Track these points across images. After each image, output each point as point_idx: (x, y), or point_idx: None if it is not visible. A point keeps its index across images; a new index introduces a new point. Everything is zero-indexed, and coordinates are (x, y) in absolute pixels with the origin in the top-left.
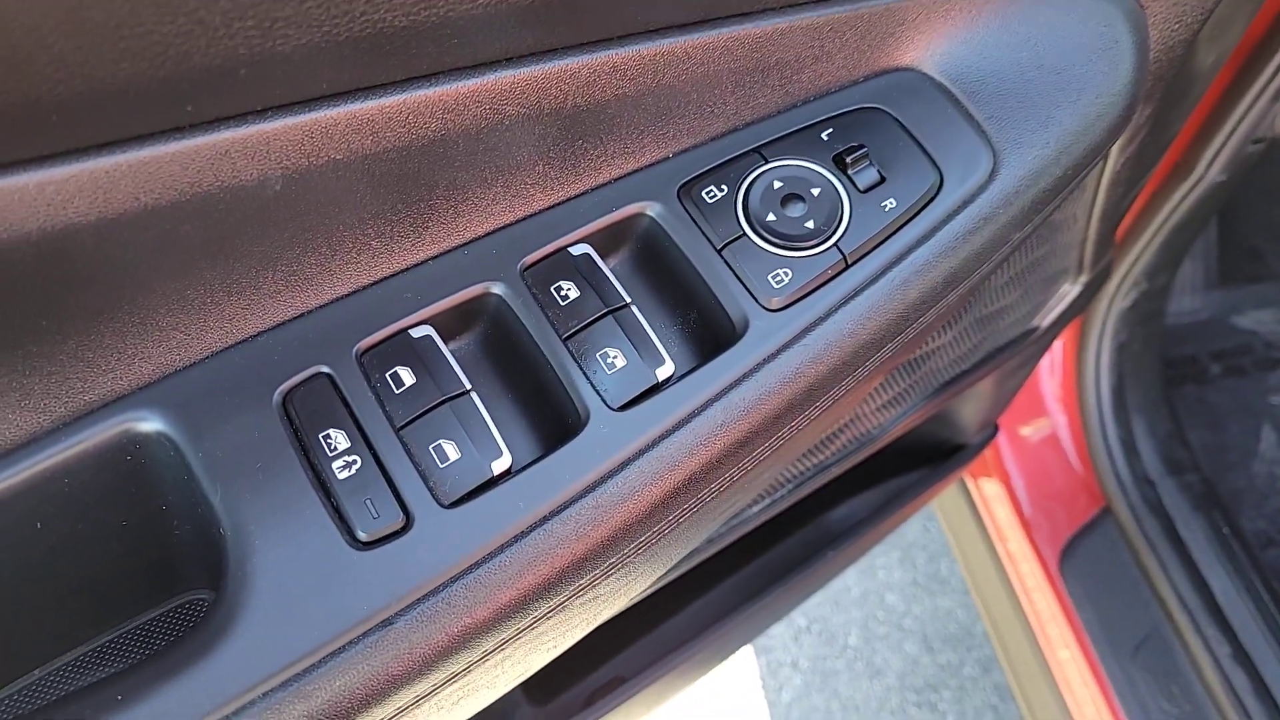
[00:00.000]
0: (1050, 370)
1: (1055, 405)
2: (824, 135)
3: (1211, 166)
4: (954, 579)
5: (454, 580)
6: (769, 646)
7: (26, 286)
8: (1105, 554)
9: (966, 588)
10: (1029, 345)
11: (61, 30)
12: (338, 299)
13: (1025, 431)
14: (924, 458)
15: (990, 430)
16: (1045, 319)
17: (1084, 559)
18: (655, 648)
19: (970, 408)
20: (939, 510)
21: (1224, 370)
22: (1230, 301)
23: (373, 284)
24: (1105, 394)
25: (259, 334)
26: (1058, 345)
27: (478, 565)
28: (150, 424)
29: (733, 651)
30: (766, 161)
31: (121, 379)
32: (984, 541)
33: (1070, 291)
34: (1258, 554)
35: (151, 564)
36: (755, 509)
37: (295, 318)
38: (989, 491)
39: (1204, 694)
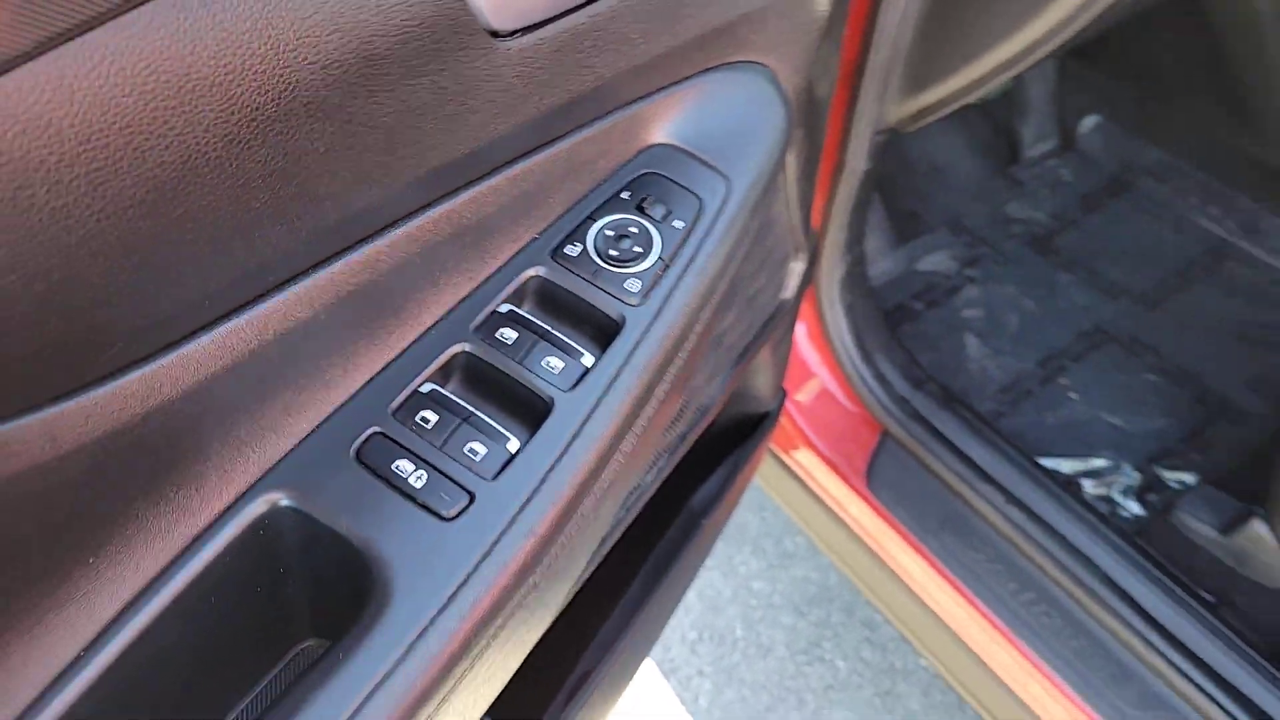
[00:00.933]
0: (808, 340)
1: (820, 368)
2: (624, 195)
3: (855, 157)
4: (799, 550)
5: (514, 521)
6: (674, 667)
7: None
8: (894, 464)
9: (811, 553)
10: (784, 315)
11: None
12: (361, 387)
13: (803, 396)
14: (743, 435)
15: (782, 394)
16: (787, 293)
17: (882, 475)
18: (565, 685)
19: (761, 379)
20: (770, 491)
21: (925, 305)
22: (910, 255)
23: (377, 375)
24: (850, 346)
25: (321, 422)
26: (810, 324)
27: (524, 508)
28: (281, 500)
29: (638, 666)
30: (596, 220)
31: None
32: (810, 498)
33: (798, 268)
34: (996, 425)
35: (269, 624)
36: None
37: (339, 408)
38: (799, 458)
39: (994, 535)
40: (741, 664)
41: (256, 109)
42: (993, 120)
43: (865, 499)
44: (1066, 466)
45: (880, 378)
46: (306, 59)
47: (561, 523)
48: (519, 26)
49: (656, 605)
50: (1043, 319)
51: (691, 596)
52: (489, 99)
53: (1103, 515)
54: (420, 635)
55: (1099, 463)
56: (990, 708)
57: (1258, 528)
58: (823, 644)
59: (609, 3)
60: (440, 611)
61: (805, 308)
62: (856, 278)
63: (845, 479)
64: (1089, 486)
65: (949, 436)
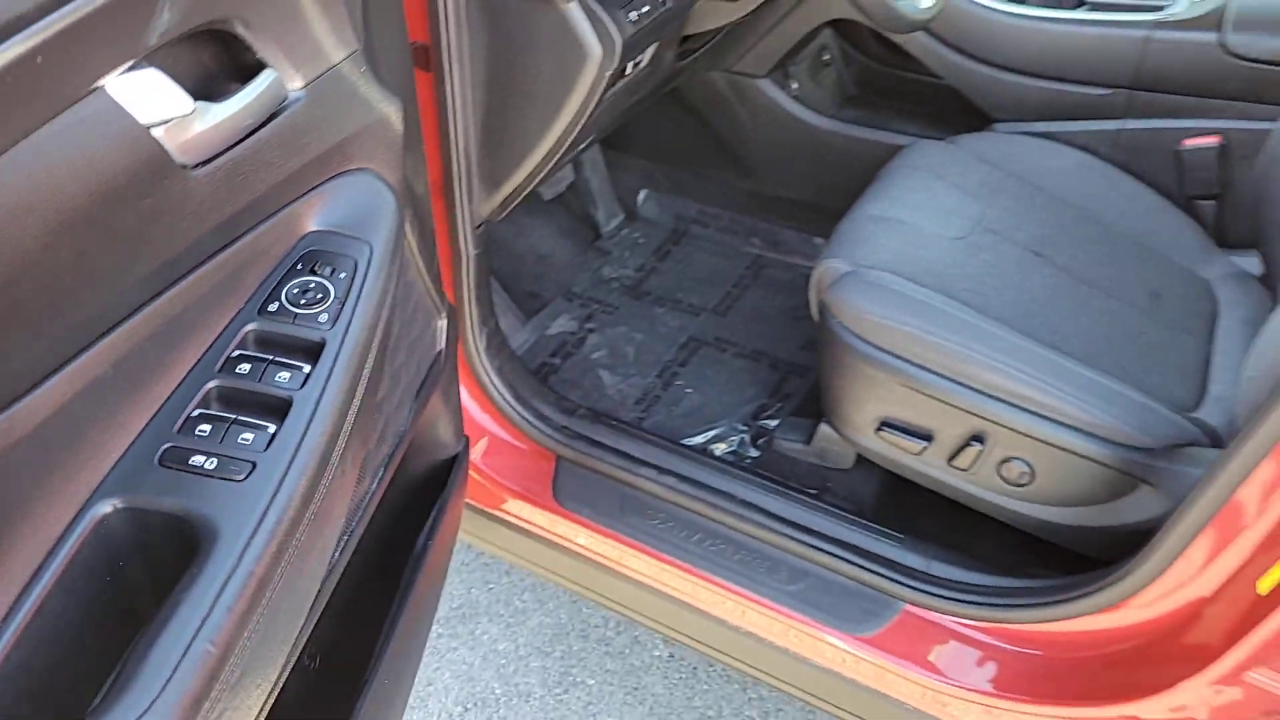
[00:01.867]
0: (478, 407)
1: (493, 425)
2: (299, 266)
3: (466, 246)
4: (529, 604)
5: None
6: None
7: None
8: (572, 479)
9: (540, 602)
10: (445, 364)
11: None
12: (147, 424)
13: (486, 453)
14: (441, 482)
15: (465, 440)
16: (440, 344)
17: (566, 491)
18: None
19: (441, 426)
20: (493, 548)
21: (562, 359)
22: (540, 325)
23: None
24: (510, 400)
25: (126, 450)
26: (474, 392)
27: (293, 460)
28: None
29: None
30: (284, 285)
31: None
32: (522, 536)
33: (442, 324)
34: (640, 427)
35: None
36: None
37: (135, 438)
38: (506, 508)
39: (661, 503)
40: (509, 716)
41: (42, 228)
42: (573, 211)
43: (561, 514)
44: (698, 440)
45: (541, 416)
46: (59, 195)
47: (322, 466)
48: (199, 160)
49: (399, 647)
50: (651, 343)
51: (447, 677)
52: (190, 211)
53: (731, 464)
54: (244, 550)
55: (719, 430)
56: (714, 644)
57: (825, 430)
58: (571, 672)
59: (255, 139)
60: (253, 534)
61: (468, 380)
62: (498, 345)
63: (540, 505)
64: (717, 449)
65: (607, 443)
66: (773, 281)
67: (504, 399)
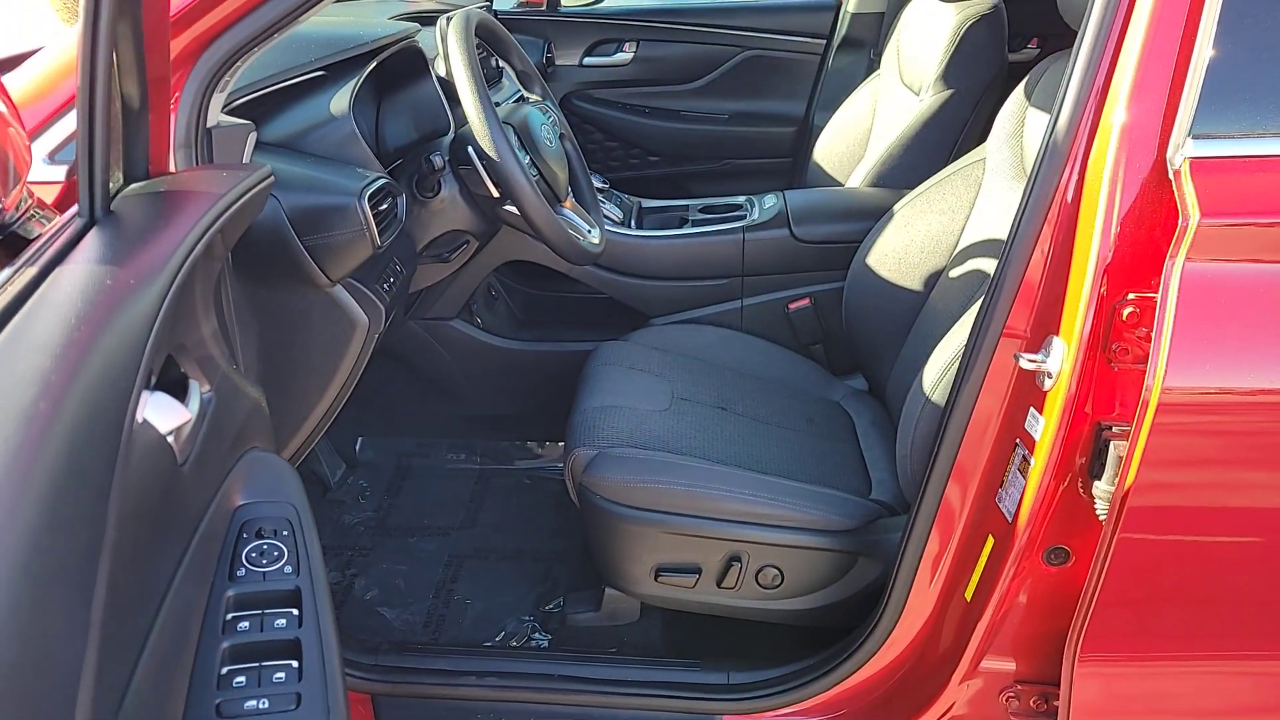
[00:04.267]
0: None
1: None
2: (244, 535)
3: None
4: None
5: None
6: None
7: None
8: (394, 712)
9: None
10: None
11: None
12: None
13: None
14: None
15: None
16: None
17: None
18: None
19: None
20: None
21: (336, 609)
22: None
23: None
24: None
25: None
26: None
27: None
28: None
29: None
30: (241, 551)
31: None
32: None
33: None
34: (419, 644)
35: None
36: None
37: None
38: None
39: (479, 704)
40: None
41: None
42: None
43: None
44: (494, 643)
45: (348, 663)
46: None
47: (343, 680)
48: (183, 459)
49: None
50: (418, 570)
51: None
52: (181, 501)
53: (536, 650)
54: None
55: (509, 628)
56: None
57: (611, 592)
58: None
59: (201, 435)
60: None
61: None
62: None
63: None
64: (515, 645)
65: (421, 667)
66: (503, 489)
67: None
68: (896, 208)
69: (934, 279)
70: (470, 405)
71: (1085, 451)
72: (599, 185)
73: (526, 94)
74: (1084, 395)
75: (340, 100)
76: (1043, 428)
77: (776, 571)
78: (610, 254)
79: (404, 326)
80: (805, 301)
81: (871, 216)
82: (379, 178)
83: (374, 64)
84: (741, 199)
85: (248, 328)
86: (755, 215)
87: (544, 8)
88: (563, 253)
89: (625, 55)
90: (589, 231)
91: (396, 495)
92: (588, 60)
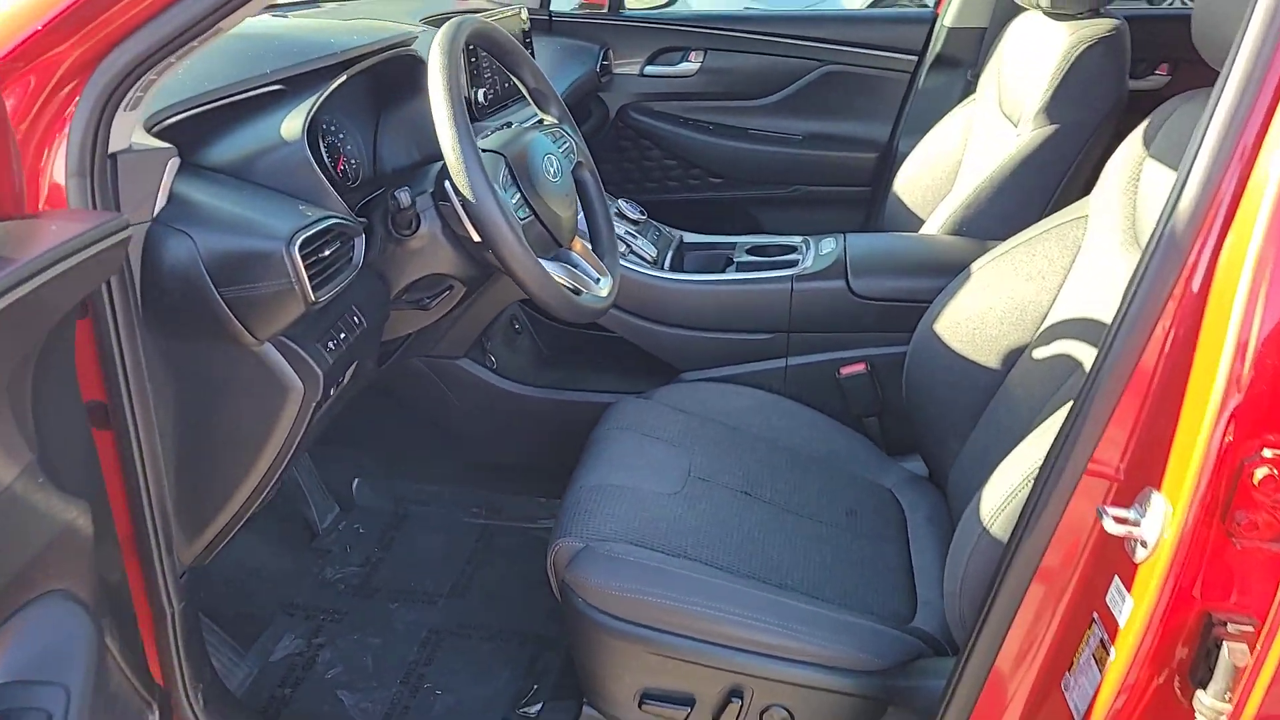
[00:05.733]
0: None
1: None
2: None
3: (168, 601)
4: None
5: None
6: None
7: None
8: None
9: None
10: None
11: None
12: None
13: None
14: None
15: None
16: None
17: None
18: None
19: None
20: None
21: (291, 688)
22: (262, 652)
23: None
24: None
25: None
26: None
27: None
28: None
29: None
30: None
31: None
32: None
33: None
34: None
35: None
36: None
37: None
38: None
39: None
40: None
41: None
42: (283, 515)
43: None
44: None
45: None
46: None
47: None
48: None
49: None
50: (390, 646)
51: None
52: None
53: None
54: None
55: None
56: None
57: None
58: None
59: None
60: None
61: None
62: (217, 697)
63: None
64: None
65: None
66: (504, 550)
67: None
68: (976, 266)
69: (1014, 357)
70: (476, 452)
71: (1188, 646)
72: (635, 216)
73: (544, 116)
74: (1191, 574)
75: (293, 122)
76: (1130, 610)
77: (786, 715)
78: (638, 298)
79: (406, 363)
80: (860, 367)
81: (945, 273)
82: (325, 218)
83: (342, 79)
84: (797, 240)
85: (162, 388)
86: (809, 262)
87: (605, 10)
88: (553, 311)
89: (691, 65)
90: (597, 282)
91: (388, 548)
92: (649, 69)
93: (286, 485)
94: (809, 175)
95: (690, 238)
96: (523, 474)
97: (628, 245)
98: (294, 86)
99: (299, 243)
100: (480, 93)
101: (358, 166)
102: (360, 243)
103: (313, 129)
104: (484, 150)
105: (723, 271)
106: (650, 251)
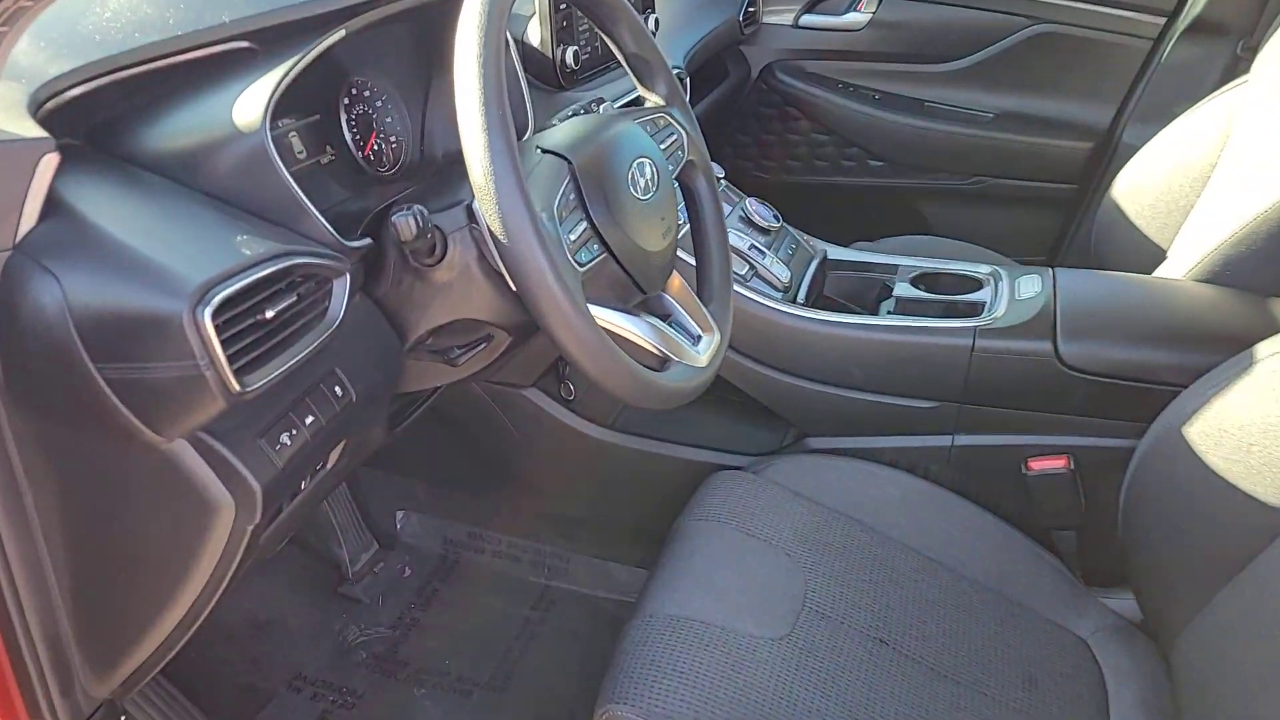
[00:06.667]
0: None
1: None
2: None
3: None
4: None
5: None
6: None
7: None
8: None
9: None
10: None
11: None
12: None
13: None
14: None
15: None
16: None
17: None
18: None
19: None
20: None
21: None
22: None
23: None
24: None
25: None
26: None
27: None
28: None
29: None
30: None
31: None
32: None
33: None
34: None
35: None
36: None
37: None
38: None
39: None
40: None
41: None
42: (309, 550)
43: None
44: None
45: None
46: None
47: None
48: None
49: None
50: None
51: None
52: None
53: None
54: None
55: None
56: None
57: None
58: None
59: None
60: None
61: None
62: None
63: None
64: None
65: None
66: (562, 624)
67: None
68: (1266, 350)
69: None
70: (541, 499)
71: None
72: (766, 224)
73: (646, 92)
74: None
75: (249, 102)
76: None
77: None
78: (761, 336)
79: (463, 387)
80: (1059, 462)
81: (1206, 346)
82: (271, 259)
83: (339, 35)
84: (983, 270)
85: (43, 481)
86: (1000, 309)
87: None
88: (620, 399)
89: (859, 17)
90: (694, 343)
91: (426, 605)
92: (806, 20)
93: (315, 516)
94: (997, 165)
95: (836, 253)
96: (595, 531)
97: (752, 265)
98: (267, 44)
99: (214, 304)
100: (569, 53)
101: (398, 146)
102: (342, 286)
103: (336, 89)
104: (544, 151)
105: (877, 307)
106: (781, 275)
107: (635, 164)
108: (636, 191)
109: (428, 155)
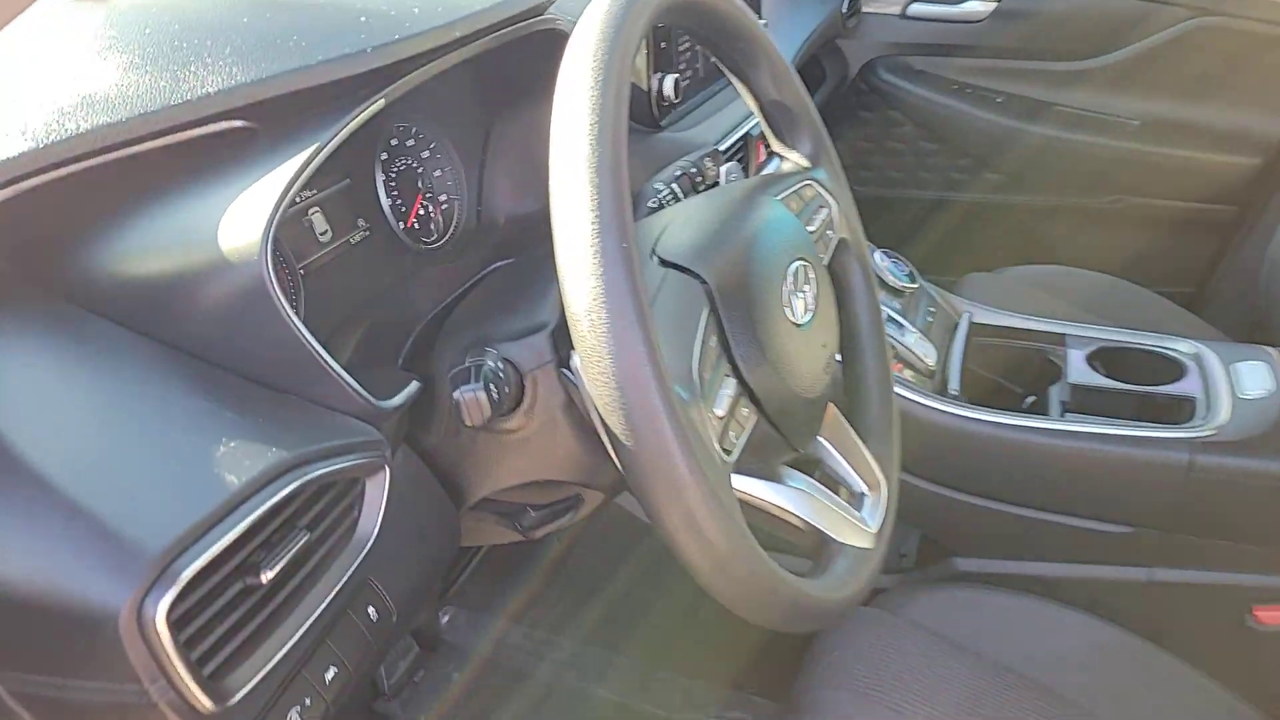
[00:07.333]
0: None
1: None
2: None
3: None
4: None
5: None
6: None
7: None
8: None
9: None
10: None
11: None
12: None
13: None
14: None
15: None
16: None
17: None
18: None
19: None
20: None
21: None
22: None
23: None
24: None
25: None
26: None
27: None
28: None
29: None
30: None
31: None
32: None
33: None
34: None
35: None
36: None
37: None
38: None
39: None
40: None
41: None
42: None
43: None
44: None
45: None
46: None
47: None
48: None
49: None
50: None
51: None
52: None
53: None
54: None
55: None
56: None
57: None
58: None
59: None
60: None
61: None
62: None
63: None
64: None
65: None
66: None
67: None
68: None
69: None
70: (619, 605)
71: None
72: (900, 284)
73: (784, 149)
74: None
75: (245, 215)
76: None
77: None
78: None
79: None
80: None
81: None
82: (290, 472)
83: (377, 106)
84: (1183, 350)
85: None
86: (1222, 415)
87: None
88: (765, 624)
89: (980, 6)
90: (859, 501)
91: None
92: (915, 8)
93: None
94: (1142, 182)
95: (983, 315)
96: (684, 648)
97: (894, 343)
98: (270, 122)
99: (177, 588)
100: (669, 81)
101: (449, 209)
102: (378, 488)
103: (372, 144)
104: (665, 265)
105: (1042, 391)
106: (929, 356)
107: (791, 272)
108: (794, 315)
109: (486, 221)
